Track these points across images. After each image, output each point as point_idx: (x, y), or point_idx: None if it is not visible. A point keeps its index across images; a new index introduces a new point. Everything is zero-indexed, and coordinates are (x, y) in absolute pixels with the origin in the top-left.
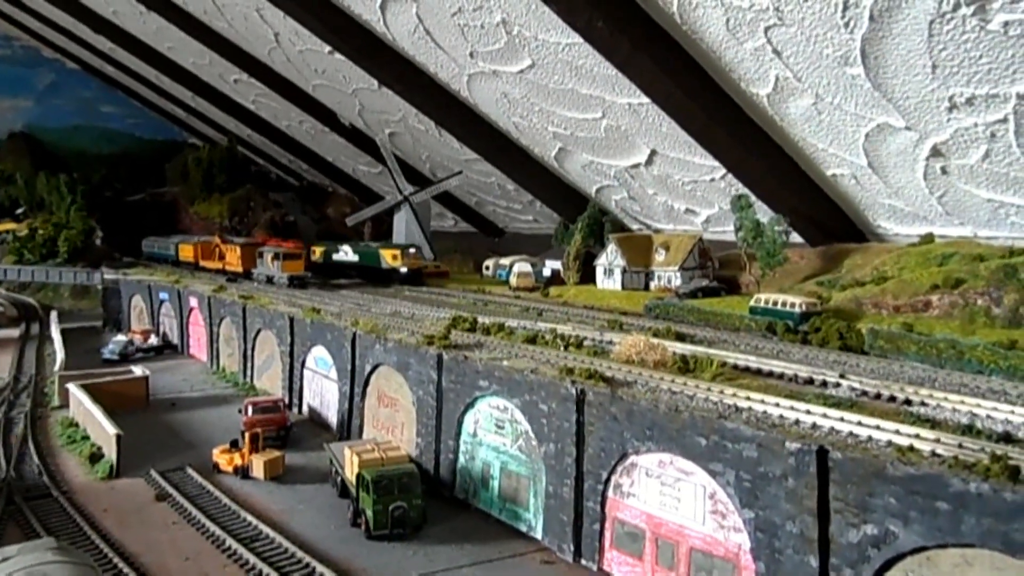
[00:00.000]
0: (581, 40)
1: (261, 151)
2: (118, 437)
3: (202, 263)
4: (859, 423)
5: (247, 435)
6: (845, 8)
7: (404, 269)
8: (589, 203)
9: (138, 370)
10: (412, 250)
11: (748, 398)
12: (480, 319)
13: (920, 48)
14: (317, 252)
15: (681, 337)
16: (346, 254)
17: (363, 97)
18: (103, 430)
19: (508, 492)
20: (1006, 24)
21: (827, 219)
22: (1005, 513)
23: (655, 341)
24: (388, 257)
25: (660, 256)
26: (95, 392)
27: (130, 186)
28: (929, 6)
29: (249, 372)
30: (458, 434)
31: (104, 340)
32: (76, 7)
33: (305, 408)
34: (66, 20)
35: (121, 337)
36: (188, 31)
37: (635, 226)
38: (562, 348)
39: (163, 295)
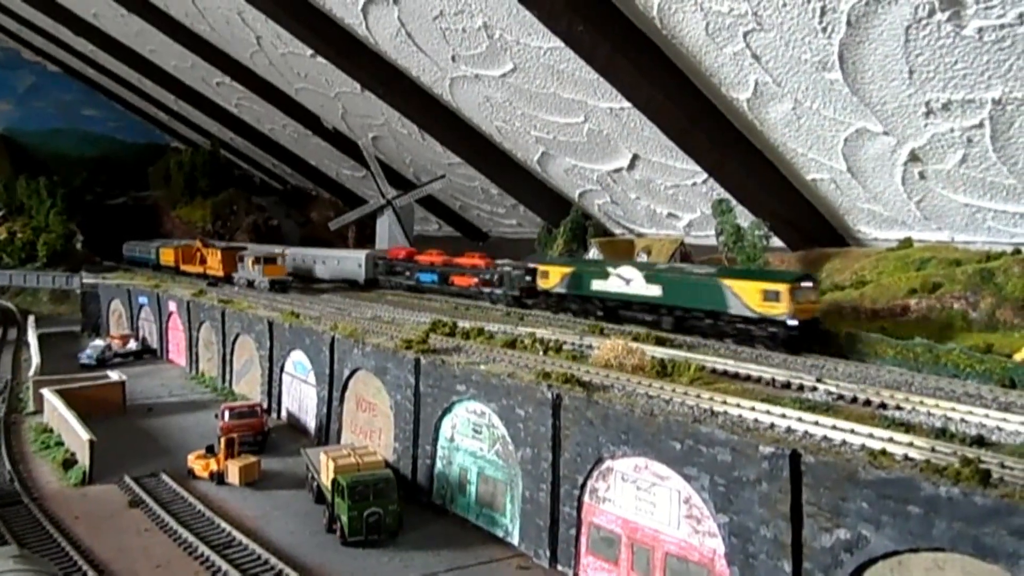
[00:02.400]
0: (562, 44)
1: (244, 155)
2: (91, 443)
3: (183, 267)
4: (833, 427)
5: (222, 440)
6: (823, 13)
7: (793, 321)
8: (572, 207)
9: (114, 375)
10: (809, 283)
11: (724, 402)
12: (460, 323)
13: (897, 53)
14: (553, 274)
15: (661, 341)
16: (628, 283)
17: (346, 101)
18: (77, 436)
19: (485, 497)
20: (980, 30)
21: (807, 223)
22: (975, 517)
23: (633, 345)
24: (751, 296)
25: (642, 260)
26: (70, 398)
27: (112, 190)
28: (905, 12)
29: (228, 377)
30: (435, 439)
31: (82, 345)
32: (56, 9)
33: (284, 413)
34: (46, 22)
35: (99, 342)
36: (170, 34)
37: (618, 230)
38: (541, 352)
39: (142, 299)
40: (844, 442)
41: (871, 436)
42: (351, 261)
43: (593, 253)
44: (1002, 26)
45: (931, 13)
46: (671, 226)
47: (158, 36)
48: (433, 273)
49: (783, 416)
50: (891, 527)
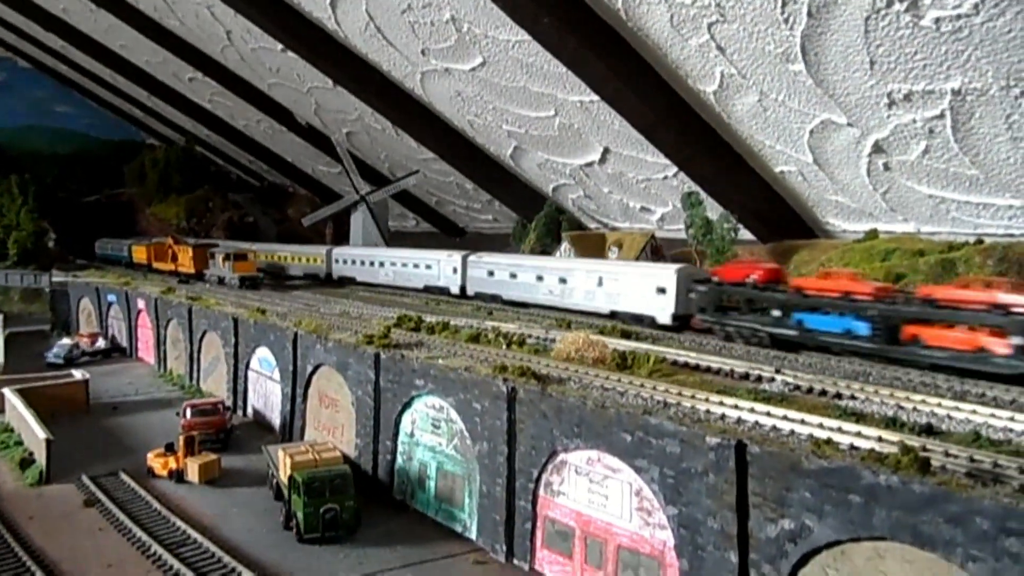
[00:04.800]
0: (531, 38)
1: (220, 151)
2: (48, 442)
3: (155, 265)
4: (784, 417)
5: (182, 438)
6: (784, 4)
7: None
8: (546, 202)
9: (78, 374)
10: None
11: (679, 394)
12: (426, 318)
13: (858, 44)
14: None
15: (627, 334)
16: None
17: (319, 96)
18: (35, 435)
19: (444, 492)
20: (938, 20)
21: (776, 216)
22: (914, 505)
23: (595, 338)
24: None
25: (613, 254)
26: (32, 397)
27: (85, 187)
28: (864, 2)
29: (195, 374)
30: (396, 434)
31: (51, 344)
32: (25, 4)
33: (250, 410)
34: (15, 18)
35: (66, 340)
36: (139, 29)
37: (592, 224)
38: (504, 346)
39: (111, 297)
40: (792, 432)
41: (820, 426)
42: (643, 280)
43: (564, 248)
44: (958, 16)
45: (889, 4)
46: (644, 220)
47: (128, 31)
48: (859, 317)
49: (735, 407)
50: (833, 517)
